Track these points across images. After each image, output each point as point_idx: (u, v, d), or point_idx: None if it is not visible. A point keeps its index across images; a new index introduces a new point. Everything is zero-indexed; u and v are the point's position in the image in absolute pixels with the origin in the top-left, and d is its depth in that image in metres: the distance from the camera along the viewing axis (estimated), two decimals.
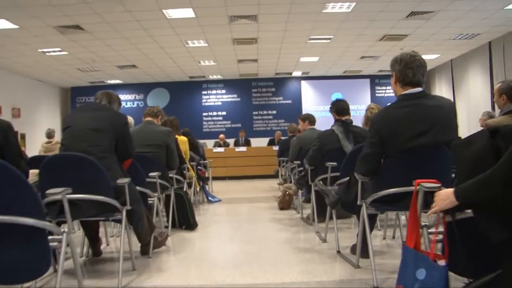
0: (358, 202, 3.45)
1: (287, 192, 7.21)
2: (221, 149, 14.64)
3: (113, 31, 11.23)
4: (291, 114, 17.79)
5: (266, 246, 4.75)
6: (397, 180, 3.15)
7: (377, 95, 18.34)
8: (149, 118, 5.68)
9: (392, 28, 11.72)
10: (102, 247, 4.61)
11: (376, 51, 14.33)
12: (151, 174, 4.75)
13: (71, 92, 18.47)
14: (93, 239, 4.38)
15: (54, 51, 12.94)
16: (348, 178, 3.89)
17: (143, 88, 18.30)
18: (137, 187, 4.14)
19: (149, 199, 4.59)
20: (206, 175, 9.62)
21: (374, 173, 3.30)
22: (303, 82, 18.43)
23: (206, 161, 9.74)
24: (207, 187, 9.35)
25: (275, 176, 11.13)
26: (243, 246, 4.84)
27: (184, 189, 6.76)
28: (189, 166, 7.55)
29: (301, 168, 6.57)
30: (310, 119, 7.51)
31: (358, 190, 3.43)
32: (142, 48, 13.05)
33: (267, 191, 10.66)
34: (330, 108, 5.57)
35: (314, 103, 18.23)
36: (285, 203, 7.29)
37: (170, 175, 5.59)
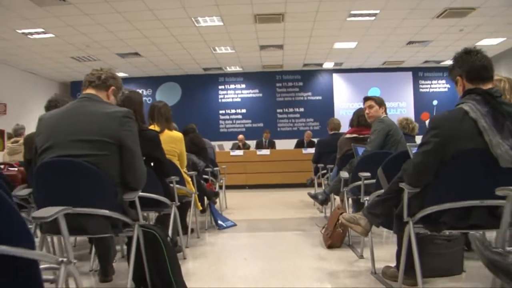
0: None
1: (340, 221, 4.37)
2: (239, 152, 11.79)
3: (102, 2, 8.54)
4: (321, 112, 15.04)
5: None
6: None
7: (420, 90, 15.37)
8: (90, 91, 2.88)
9: None
10: None
11: (428, 34, 11.35)
12: (36, 214, 1.96)
13: (71, 87, 15.82)
14: None
15: (37, 33, 10.32)
16: None
17: (151, 83, 15.61)
18: None
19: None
20: (217, 188, 6.81)
21: None
22: (335, 76, 15.49)
23: (216, 168, 6.94)
24: (216, 204, 6.54)
25: (308, 185, 8.26)
26: None
27: (172, 215, 4.00)
28: (186, 178, 4.78)
29: (372, 181, 3.75)
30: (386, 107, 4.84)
31: None
32: (142, 28, 10.35)
33: (299, 207, 7.80)
34: (451, 67, 2.73)
35: (348, 99, 15.30)
36: (336, 238, 4.43)
37: (129, 198, 2.79)
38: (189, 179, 4.90)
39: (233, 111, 15.62)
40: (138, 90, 15.38)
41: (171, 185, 4.02)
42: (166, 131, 4.65)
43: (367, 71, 15.22)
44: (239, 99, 15.67)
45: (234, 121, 15.58)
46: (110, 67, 3.05)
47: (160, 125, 4.67)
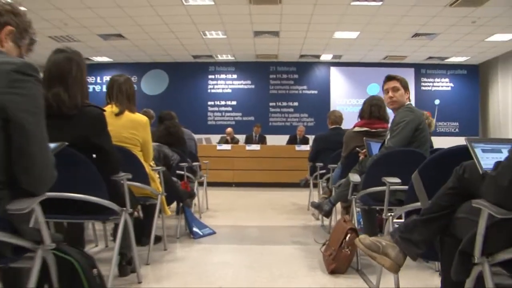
0: None
1: (347, 239, 3.29)
2: (227, 147, 10.67)
3: None
4: (317, 107, 13.96)
5: None
6: None
7: (422, 88, 14.29)
8: None
9: None
10: None
11: (437, 25, 10.27)
12: None
13: None
14: None
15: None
16: None
17: (137, 69, 14.36)
18: None
19: None
20: (195, 187, 5.68)
21: None
22: (333, 69, 14.35)
23: (196, 163, 5.81)
24: (193, 207, 5.42)
25: (302, 186, 7.17)
26: None
27: (121, 225, 2.90)
28: (152, 175, 3.69)
29: (402, 187, 2.68)
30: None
31: None
32: (125, 6, 9.21)
33: (291, 212, 6.71)
34: None
35: (346, 95, 14.21)
36: (342, 262, 3.32)
37: (17, 209, 1.65)
38: (155, 176, 3.80)
39: (222, 102, 14.43)
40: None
41: (121, 184, 2.90)
42: (127, 113, 3.56)
43: (367, 66, 14.11)
44: (229, 90, 14.48)
45: (223, 114, 14.40)
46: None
47: (120, 105, 3.57)
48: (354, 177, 3.55)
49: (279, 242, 4.52)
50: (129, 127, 3.52)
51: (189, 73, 14.28)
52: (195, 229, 4.64)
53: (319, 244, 3.77)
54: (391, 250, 2.18)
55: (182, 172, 5.03)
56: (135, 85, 14.38)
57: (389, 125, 4.02)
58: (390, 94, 3.65)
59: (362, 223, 4.10)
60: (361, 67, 14.19)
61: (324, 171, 5.68)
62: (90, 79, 14.37)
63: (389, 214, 2.68)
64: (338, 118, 6.20)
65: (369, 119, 4.37)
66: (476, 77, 14.26)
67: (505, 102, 13.04)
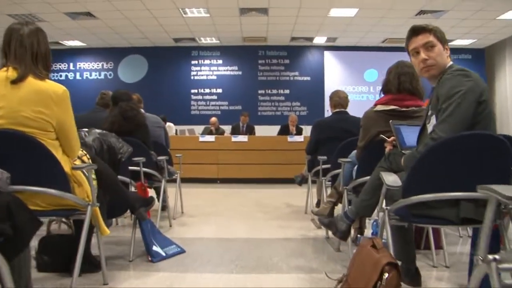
0: None
1: (386, 274, 1.99)
2: (210, 138, 9.29)
3: None
4: (309, 95, 12.76)
5: None
6: None
7: None
8: None
9: None
10: None
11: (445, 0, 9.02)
12: None
13: None
14: None
15: None
16: None
17: (113, 54, 12.94)
18: None
19: None
20: (162, 188, 4.35)
21: None
22: (327, 53, 12.98)
23: (163, 157, 4.43)
24: (159, 213, 4.09)
25: (298, 184, 5.80)
26: None
27: None
28: (76, 175, 2.38)
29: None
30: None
31: None
32: None
33: (285, 216, 5.37)
34: None
35: (341, 82, 12.81)
36: None
37: None
38: (83, 178, 2.47)
39: (207, 90, 13.02)
40: (96, 63, 13.02)
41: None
42: (31, 81, 2.24)
43: (364, 50, 12.80)
44: (214, 77, 13.07)
45: (208, 103, 12.99)
46: None
47: (20, 67, 2.24)
48: (390, 178, 2.22)
49: (272, 268, 3.17)
50: (34, 102, 2.20)
51: (170, 59, 12.88)
52: (155, 248, 3.29)
53: (334, 281, 2.45)
54: None
55: (135, 168, 3.67)
56: (111, 72, 13.21)
57: (426, 101, 2.78)
58: (423, 55, 2.34)
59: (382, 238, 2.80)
60: (357, 51, 12.88)
61: (328, 165, 4.35)
62: (62, 65, 12.94)
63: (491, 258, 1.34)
64: (342, 99, 4.89)
65: (397, 93, 3.07)
66: (482, 62, 13.01)
67: None
